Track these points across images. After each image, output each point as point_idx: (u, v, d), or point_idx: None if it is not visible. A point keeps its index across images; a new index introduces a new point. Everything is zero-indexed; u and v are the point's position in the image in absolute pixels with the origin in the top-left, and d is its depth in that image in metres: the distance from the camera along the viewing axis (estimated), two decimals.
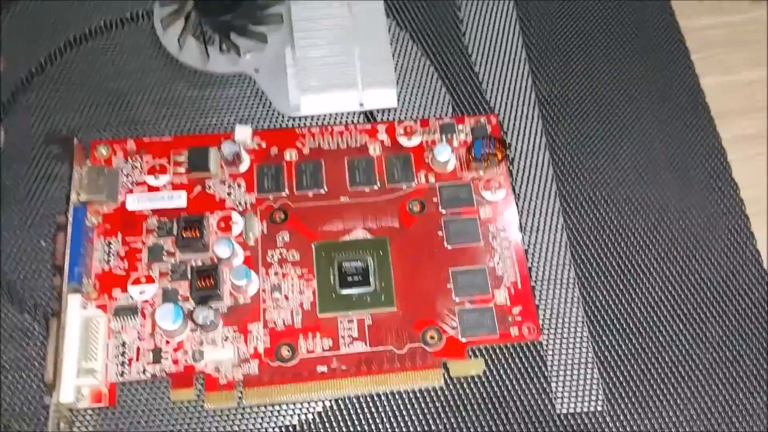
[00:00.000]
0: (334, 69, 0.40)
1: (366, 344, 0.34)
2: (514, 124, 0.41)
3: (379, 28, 0.42)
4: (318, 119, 0.40)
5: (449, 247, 0.36)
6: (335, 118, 0.40)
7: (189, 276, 0.35)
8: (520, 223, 0.38)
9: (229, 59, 0.41)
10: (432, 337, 0.34)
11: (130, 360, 0.33)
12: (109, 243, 0.36)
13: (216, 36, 0.41)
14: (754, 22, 0.45)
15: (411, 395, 0.34)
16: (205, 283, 0.34)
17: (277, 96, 0.40)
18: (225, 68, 0.41)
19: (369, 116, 0.41)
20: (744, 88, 0.43)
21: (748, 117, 0.42)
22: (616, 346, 0.35)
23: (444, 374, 0.34)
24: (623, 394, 0.34)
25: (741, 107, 0.42)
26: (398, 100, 0.41)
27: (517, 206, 0.38)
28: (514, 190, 0.38)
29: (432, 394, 0.34)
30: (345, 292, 0.35)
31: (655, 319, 0.36)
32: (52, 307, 0.33)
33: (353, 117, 0.41)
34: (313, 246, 0.36)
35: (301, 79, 0.40)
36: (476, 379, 0.34)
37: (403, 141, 0.39)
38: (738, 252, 0.37)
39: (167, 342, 0.34)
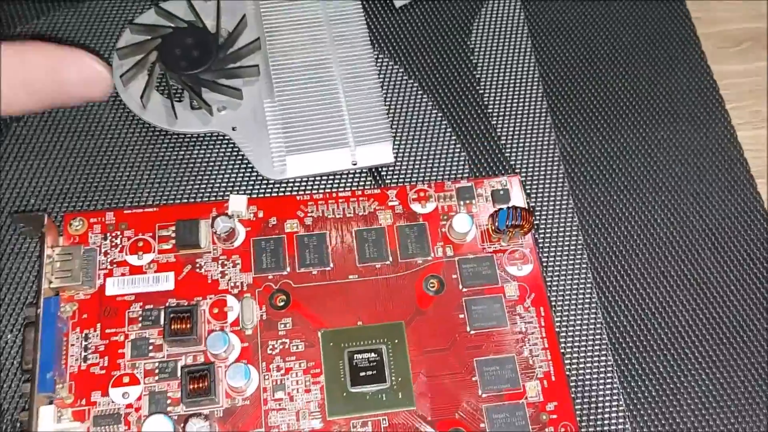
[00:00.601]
0: (321, 124, 0.36)
1: None
2: (538, 186, 0.37)
3: (368, 75, 0.38)
4: (319, 183, 0.36)
5: (472, 332, 0.32)
6: (337, 182, 0.36)
7: (179, 375, 0.30)
8: (550, 301, 0.34)
9: (201, 117, 0.37)
10: None
11: None
12: (87, 336, 0.31)
13: (184, 92, 0.37)
14: None
15: None
16: (198, 385, 0.30)
17: (259, 157, 0.36)
18: (197, 128, 0.36)
19: (377, 178, 0.37)
20: None
21: None
22: None
23: None
24: None
25: None
26: (408, 159, 0.37)
27: (545, 280, 0.34)
28: (541, 261, 0.35)
29: None
30: (357, 390, 0.31)
31: (702, 410, 0.32)
32: (21, 420, 0.29)
33: (359, 180, 0.36)
34: (319, 334, 0.32)
35: (285, 138, 0.36)
36: None
37: (417, 208, 0.35)
38: None
39: None
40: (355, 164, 0.36)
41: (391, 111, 0.38)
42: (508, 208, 0.34)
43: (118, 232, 0.33)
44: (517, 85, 0.39)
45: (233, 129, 0.36)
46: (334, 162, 0.36)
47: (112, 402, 0.30)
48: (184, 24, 0.38)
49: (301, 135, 0.36)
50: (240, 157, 0.36)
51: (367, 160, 0.36)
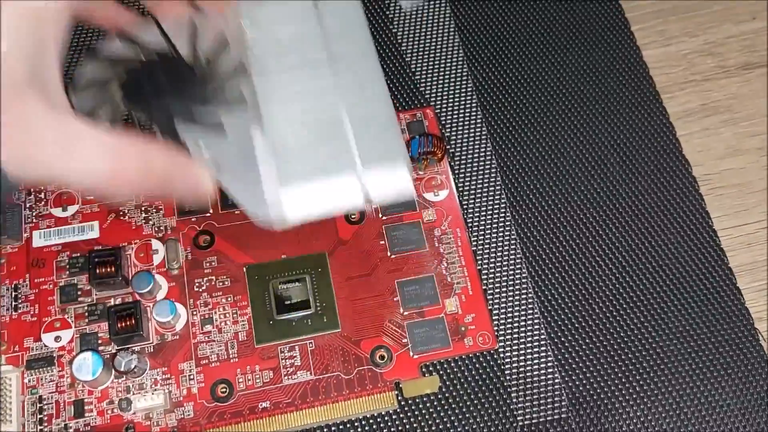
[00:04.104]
0: (324, 154, 0.28)
1: (311, 372, 0.31)
2: (452, 116, 0.38)
3: (374, 83, 0.30)
4: None
5: (393, 257, 0.34)
6: None
7: (108, 317, 0.31)
8: (466, 222, 0.35)
9: None
10: (382, 357, 0.32)
11: (49, 417, 0.30)
12: (16, 287, 0.32)
13: (155, 128, 0.29)
14: None
15: (364, 422, 0.31)
16: (125, 324, 0.31)
17: (251, 202, 0.28)
18: None
19: None
20: (682, 59, 0.41)
21: (689, 90, 0.40)
22: (576, 347, 0.33)
23: (397, 396, 0.31)
24: (588, 397, 0.32)
25: (682, 80, 0.40)
26: None
27: (462, 204, 0.36)
28: (457, 187, 0.36)
29: (387, 418, 0.32)
30: (283, 317, 0.32)
31: (614, 312, 0.34)
32: None
33: None
34: (244, 269, 0.33)
35: (278, 172, 0.28)
36: (432, 398, 0.32)
37: None
38: (694, 233, 0.36)
39: (90, 392, 0.30)
40: (368, 200, 0.28)
41: None
42: (420, 135, 0.35)
43: (42, 187, 0.34)
44: (430, 21, 0.40)
45: (217, 169, 0.28)
46: (342, 199, 0.28)
47: (45, 346, 0.31)
48: (153, 53, 0.30)
49: (298, 168, 0.28)
50: None
51: (384, 194, 0.28)
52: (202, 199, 0.28)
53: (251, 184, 0.28)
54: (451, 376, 0.32)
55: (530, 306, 0.34)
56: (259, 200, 0.28)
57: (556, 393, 0.32)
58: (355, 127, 0.29)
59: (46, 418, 0.30)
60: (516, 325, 0.33)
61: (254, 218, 0.27)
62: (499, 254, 0.35)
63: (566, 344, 0.33)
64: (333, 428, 0.31)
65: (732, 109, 0.39)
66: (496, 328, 0.33)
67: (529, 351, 0.33)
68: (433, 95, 0.38)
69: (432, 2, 0.41)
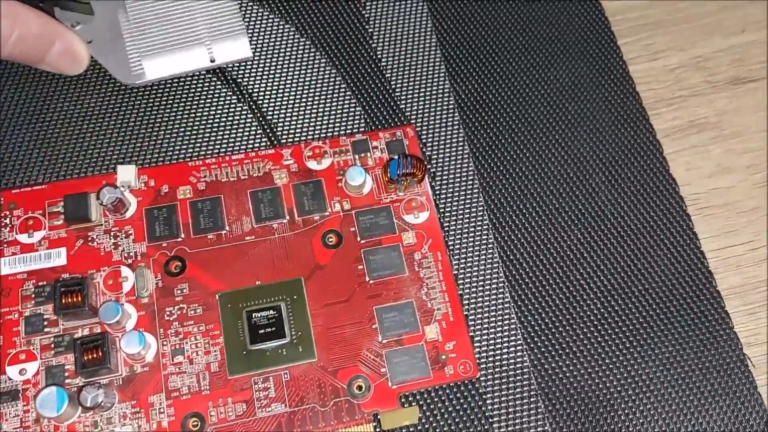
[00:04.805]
0: (175, 26, 0.36)
1: (285, 404, 0.30)
2: (433, 134, 0.37)
3: None
4: (213, 147, 0.36)
5: (371, 282, 0.33)
6: (230, 145, 0.36)
7: (74, 349, 0.30)
8: (447, 245, 0.34)
9: None
10: (359, 388, 0.31)
11: None
12: None
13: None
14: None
15: None
16: (92, 356, 0.30)
17: (117, 66, 0.36)
18: None
19: (272, 140, 0.36)
20: (669, 74, 0.40)
21: (676, 106, 0.39)
22: (560, 374, 0.32)
23: (376, 428, 0.30)
24: (572, 427, 0.31)
25: (669, 95, 0.39)
26: (299, 106, 0.37)
27: (443, 227, 0.35)
28: (438, 208, 0.35)
29: None
30: (257, 347, 0.31)
31: (599, 338, 0.33)
32: None
33: (254, 141, 0.36)
34: (217, 297, 0.32)
35: (140, 43, 0.36)
36: (411, 429, 0.31)
37: (312, 165, 0.35)
38: (681, 254, 0.35)
39: (56, 428, 0.29)
40: (213, 62, 0.36)
41: (285, 69, 0.38)
42: (399, 156, 0.34)
43: (7, 213, 0.33)
44: (410, 35, 0.39)
45: (89, 42, 0.35)
46: (192, 61, 0.36)
47: (9, 379, 0.30)
48: None
49: (155, 37, 0.36)
50: (129, 127, 0.36)
51: (225, 56, 0.36)
52: (79, 61, 0.32)
53: (118, 55, 0.35)
54: (432, 406, 0.31)
55: (513, 332, 0.33)
56: (124, 68, 0.35)
57: (540, 423, 0.31)
58: (205, 8, 0.36)
59: None
60: (498, 352, 0.32)
61: (120, 79, 0.35)
62: (481, 278, 0.34)
63: (550, 371, 0.32)
64: None
65: (720, 125, 0.38)
66: (477, 355, 0.32)
67: (511, 379, 0.32)
68: (414, 113, 0.37)
69: (413, 17, 0.40)
